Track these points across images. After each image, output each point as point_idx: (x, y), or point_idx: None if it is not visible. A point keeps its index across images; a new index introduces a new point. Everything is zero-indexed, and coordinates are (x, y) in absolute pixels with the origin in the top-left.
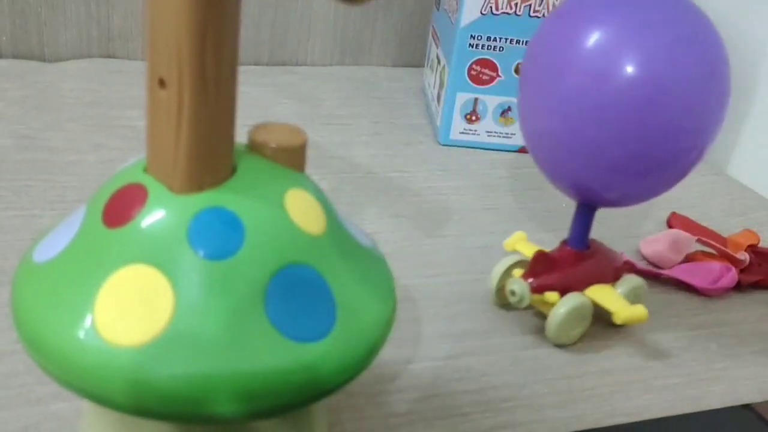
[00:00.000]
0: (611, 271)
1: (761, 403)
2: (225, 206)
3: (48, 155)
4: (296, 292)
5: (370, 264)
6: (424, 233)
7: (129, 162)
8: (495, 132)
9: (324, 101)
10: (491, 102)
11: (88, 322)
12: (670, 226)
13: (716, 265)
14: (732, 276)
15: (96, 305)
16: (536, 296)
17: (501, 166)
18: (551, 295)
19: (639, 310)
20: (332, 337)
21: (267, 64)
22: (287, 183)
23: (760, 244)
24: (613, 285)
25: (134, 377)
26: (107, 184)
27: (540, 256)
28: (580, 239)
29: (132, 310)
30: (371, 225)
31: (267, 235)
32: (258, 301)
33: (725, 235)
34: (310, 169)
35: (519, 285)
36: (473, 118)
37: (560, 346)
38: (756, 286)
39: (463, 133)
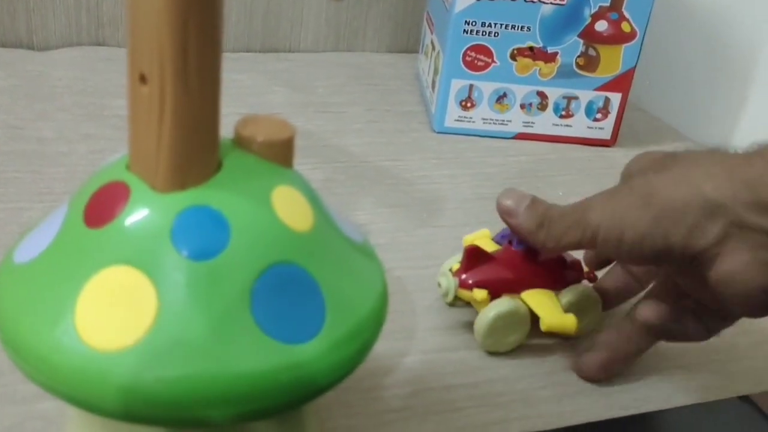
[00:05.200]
0: (558, 276)
1: (759, 394)
2: (210, 205)
3: (37, 146)
4: (283, 292)
5: (361, 260)
6: (419, 223)
7: (111, 159)
8: (490, 119)
9: (317, 89)
10: (486, 88)
11: (68, 325)
12: None
13: None
14: None
15: (77, 308)
16: (465, 292)
17: (497, 153)
18: (478, 293)
19: (568, 320)
20: (321, 337)
21: (259, 51)
22: (274, 179)
23: None
24: (558, 292)
25: (117, 382)
26: (89, 181)
27: (473, 250)
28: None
29: (114, 313)
30: (365, 215)
31: (253, 233)
32: (244, 302)
33: None
34: (303, 159)
35: (446, 278)
36: (468, 104)
37: (492, 353)
38: None
39: (458, 120)
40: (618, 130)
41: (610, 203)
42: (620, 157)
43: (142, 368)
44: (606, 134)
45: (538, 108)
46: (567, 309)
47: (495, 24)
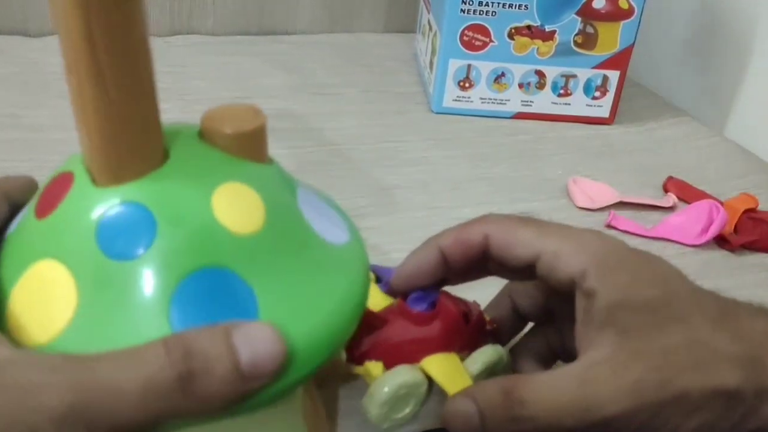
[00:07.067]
0: (463, 337)
1: None
2: (139, 202)
3: (34, 134)
4: (209, 298)
5: (330, 266)
6: (417, 205)
7: None
8: (489, 98)
9: (314, 71)
10: (484, 68)
11: (3, 319)
12: (666, 190)
13: (704, 204)
14: (722, 216)
15: (9, 301)
16: (356, 367)
17: (495, 133)
18: (373, 367)
19: None
20: None
21: (255, 34)
22: (223, 175)
23: (758, 208)
24: (465, 356)
25: None
26: (56, 170)
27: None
28: (419, 297)
29: (35, 308)
30: (362, 198)
31: (181, 234)
32: (162, 307)
33: (723, 199)
34: (300, 141)
35: None
36: (466, 84)
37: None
38: (749, 248)
39: (456, 100)
40: (617, 107)
41: (624, 381)
42: (619, 134)
43: None
44: (604, 112)
45: (536, 87)
46: (479, 377)
47: (492, 3)
